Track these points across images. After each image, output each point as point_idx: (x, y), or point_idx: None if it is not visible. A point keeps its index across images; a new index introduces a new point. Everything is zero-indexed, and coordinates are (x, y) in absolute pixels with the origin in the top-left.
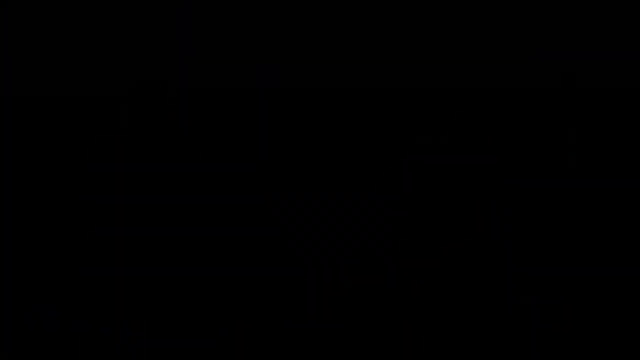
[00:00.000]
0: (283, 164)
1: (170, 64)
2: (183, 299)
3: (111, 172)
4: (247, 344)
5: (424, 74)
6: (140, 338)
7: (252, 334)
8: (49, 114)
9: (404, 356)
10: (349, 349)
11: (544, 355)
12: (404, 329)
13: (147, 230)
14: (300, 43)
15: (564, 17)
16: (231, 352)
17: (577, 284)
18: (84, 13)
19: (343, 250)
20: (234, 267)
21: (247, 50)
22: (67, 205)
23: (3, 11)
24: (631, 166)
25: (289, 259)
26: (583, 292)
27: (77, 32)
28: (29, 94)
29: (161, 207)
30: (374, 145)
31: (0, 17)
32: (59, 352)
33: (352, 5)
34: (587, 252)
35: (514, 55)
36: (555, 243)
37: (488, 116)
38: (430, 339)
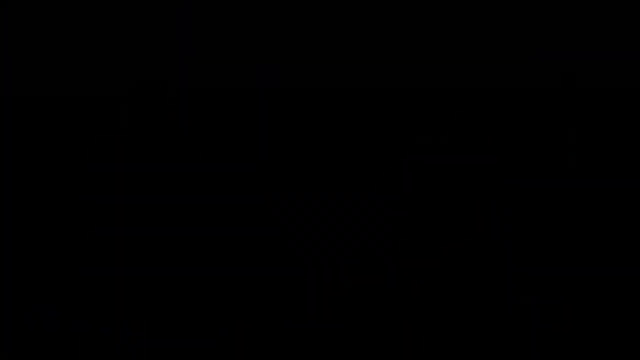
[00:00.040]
0: (283, 164)
1: (170, 64)
2: (183, 299)
3: (111, 172)
4: (247, 344)
5: (424, 74)
6: (140, 338)
7: (252, 334)
8: (49, 114)
9: (404, 356)
10: (349, 349)
11: (544, 355)
12: (404, 329)
13: (147, 230)
14: (300, 43)
15: (564, 17)
16: (231, 352)
17: (577, 284)
18: (84, 13)
19: (343, 250)
20: (234, 267)
21: (247, 50)
22: (67, 205)
23: (3, 11)
24: (631, 166)
25: (289, 259)
26: (583, 292)
27: (77, 32)
28: (29, 94)
29: (161, 207)
30: (374, 145)
31: (0, 17)
32: (59, 352)
33: (352, 5)
34: (587, 252)
35: (514, 55)
36: (555, 243)
37: (488, 116)
38: (430, 339)
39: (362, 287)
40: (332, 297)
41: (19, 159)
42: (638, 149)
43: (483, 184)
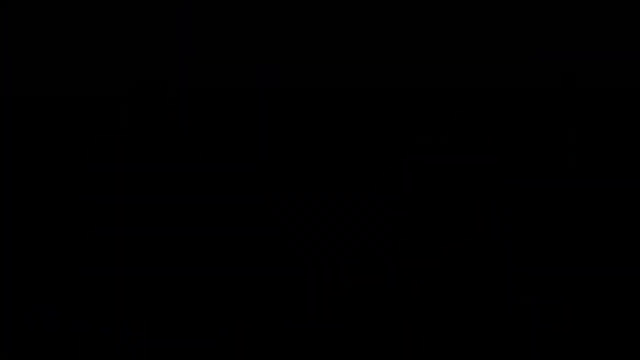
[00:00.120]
0: (283, 164)
1: (170, 64)
2: (183, 299)
3: (111, 172)
4: (247, 344)
5: (424, 74)
6: (140, 338)
7: (252, 334)
8: (49, 114)
9: (404, 356)
10: (349, 349)
11: (544, 355)
12: (404, 329)
13: (147, 230)
14: (300, 43)
15: (564, 17)
16: (231, 352)
17: (577, 284)
18: (84, 13)
19: (343, 250)
20: (234, 267)
21: (247, 50)
22: (67, 205)
23: (3, 11)
24: (631, 166)
25: (289, 259)
26: (583, 292)
27: (77, 32)
28: (29, 94)
29: (161, 207)
30: (374, 145)
31: (0, 17)
32: (59, 352)
33: (352, 5)
34: (587, 252)
35: (514, 55)
36: (555, 243)
37: (488, 116)
38: (430, 339)
39: (362, 287)
40: (332, 297)
41: (19, 159)
42: (638, 149)
43: (483, 184)
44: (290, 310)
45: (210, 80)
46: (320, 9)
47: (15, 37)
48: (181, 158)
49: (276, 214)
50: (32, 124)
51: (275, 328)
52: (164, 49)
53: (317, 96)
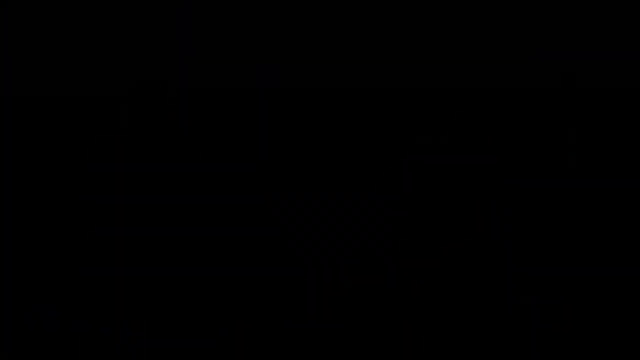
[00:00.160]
0: (283, 164)
1: (170, 64)
2: (183, 299)
3: (111, 172)
4: (247, 344)
5: (424, 74)
6: (140, 338)
7: (252, 334)
8: (49, 114)
9: (404, 356)
10: (349, 349)
11: (544, 355)
12: (404, 329)
13: (147, 230)
14: (300, 43)
15: (564, 17)
16: (231, 352)
17: (577, 284)
18: (84, 13)
19: (343, 250)
20: (234, 267)
21: (247, 50)
22: (67, 205)
23: (3, 11)
24: (631, 166)
25: (289, 259)
26: (583, 292)
27: (77, 32)
28: (29, 94)
29: (161, 207)
30: (374, 145)
31: (0, 17)
32: (59, 352)
33: (352, 5)
34: (587, 252)
35: (514, 55)
36: (555, 243)
37: (488, 116)
38: (430, 339)
39: (362, 287)
40: (332, 297)
41: (19, 159)
42: (638, 149)
43: (483, 184)
44: (290, 310)
45: (210, 80)
46: (320, 9)
47: (15, 37)
48: (181, 158)
49: (276, 214)
50: (32, 124)
51: (275, 328)
52: (164, 49)
53: (317, 96)
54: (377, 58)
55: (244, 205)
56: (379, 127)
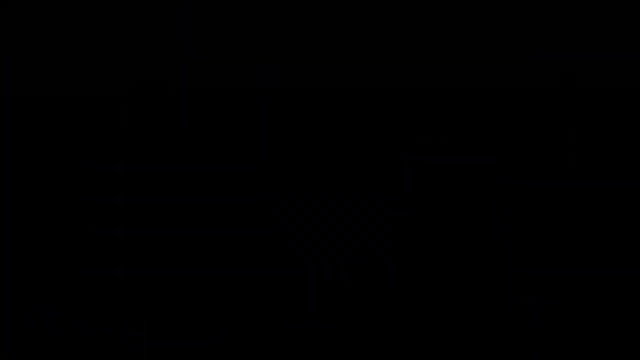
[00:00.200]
0: (283, 164)
1: (170, 64)
2: (183, 299)
3: (111, 172)
4: (247, 344)
5: (424, 74)
6: (140, 338)
7: (252, 334)
8: (49, 114)
9: (404, 356)
10: (349, 349)
11: (544, 355)
12: (404, 329)
13: (147, 230)
14: (300, 43)
15: (564, 17)
16: (231, 352)
17: (577, 284)
18: (84, 13)
19: (343, 250)
20: (234, 267)
21: (247, 50)
22: (67, 205)
23: (3, 11)
24: (631, 166)
25: (289, 259)
26: (583, 292)
27: (77, 32)
28: (29, 94)
29: (161, 207)
30: (374, 145)
31: (0, 17)
32: (59, 352)
33: (352, 5)
34: (587, 252)
35: (514, 55)
36: (555, 243)
37: (488, 116)
38: (430, 339)
39: (362, 287)
40: (332, 297)
41: (19, 159)
42: (638, 149)
43: (483, 184)
44: (290, 310)
45: (210, 80)
46: (320, 9)
47: (15, 37)
48: (181, 158)
49: (276, 214)
50: (32, 124)
51: (275, 328)
52: (164, 49)
53: (317, 96)
54: (377, 58)
55: (244, 205)
56: (379, 127)
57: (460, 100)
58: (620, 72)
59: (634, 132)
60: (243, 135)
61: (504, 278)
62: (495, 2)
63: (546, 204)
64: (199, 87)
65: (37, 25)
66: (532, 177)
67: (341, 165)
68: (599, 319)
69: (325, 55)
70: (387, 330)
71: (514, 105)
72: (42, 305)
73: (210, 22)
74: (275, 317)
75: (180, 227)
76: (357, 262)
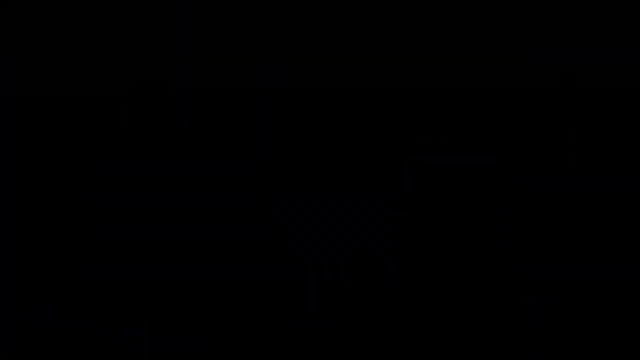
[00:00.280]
0: (283, 164)
1: (170, 64)
2: (183, 299)
3: (111, 172)
4: (247, 344)
5: (424, 74)
6: (140, 338)
7: (252, 334)
8: (49, 114)
9: (404, 356)
10: (349, 349)
11: (544, 355)
12: (404, 329)
13: (147, 230)
14: (300, 43)
15: (564, 17)
16: (231, 352)
17: (577, 284)
18: (84, 13)
19: (343, 250)
20: (234, 267)
21: (247, 50)
22: (67, 205)
23: (3, 11)
24: (631, 166)
25: (289, 259)
26: (583, 292)
27: (77, 32)
28: (29, 94)
29: (161, 207)
30: (374, 145)
31: (0, 17)
32: (59, 352)
33: (352, 5)
34: (587, 252)
35: (514, 55)
36: (555, 243)
37: (488, 116)
38: (430, 339)
39: (362, 287)
40: (332, 297)
41: (19, 159)
42: (638, 149)
43: (483, 184)
44: (290, 310)
45: (210, 80)
46: (320, 9)
47: (15, 37)
48: (181, 158)
49: (276, 214)
50: (32, 124)
51: (275, 328)
52: (164, 49)
53: (317, 96)
54: (377, 58)
55: (244, 205)
56: (379, 127)
57: (460, 100)
58: (620, 72)
59: (634, 132)
60: (243, 135)
61: (504, 278)
62: (495, 2)
63: (546, 204)
64: (199, 87)
65: (37, 25)
66: (532, 177)
67: (341, 165)
68: (599, 319)
69: (325, 55)
70: (387, 330)
71: (514, 105)
72: (42, 305)
73: (210, 22)
74: (275, 317)
75: (180, 227)
76: (357, 262)
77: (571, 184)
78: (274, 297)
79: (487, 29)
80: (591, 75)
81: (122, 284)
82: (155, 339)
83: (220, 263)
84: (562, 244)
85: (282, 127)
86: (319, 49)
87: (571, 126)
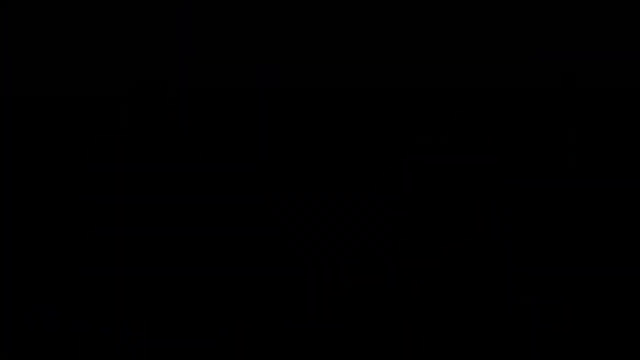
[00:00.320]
0: (283, 164)
1: (170, 64)
2: (183, 299)
3: (111, 172)
4: (247, 344)
5: (424, 74)
6: (140, 338)
7: (252, 334)
8: (49, 114)
9: (404, 356)
10: (349, 349)
11: (544, 355)
12: (404, 329)
13: (147, 230)
14: (300, 43)
15: (564, 17)
16: (231, 352)
17: (577, 284)
18: (84, 13)
19: (343, 250)
20: (234, 267)
21: (247, 50)
22: (67, 205)
23: (3, 11)
24: (631, 166)
25: (289, 259)
26: (583, 292)
27: (77, 32)
28: (29, 94)
29: (161, 207)
30: (374, 145)
31: (0, 17)
32: (59, 352)
33: (352, 5)
34: (587, 252)
35: (514, 55)
36: (555, 243)
37: (488, 116)
38: (430, 339)
39: (362, 287)
40: (332, 297)
41: (19, 159)
42: (638, 149)
43: (483, 184)
44: (290, 310)
45: (210, 80)
46: (320, 9)
47: (15, 37)
48: (181, 158)
49: (276, 214)
50: (32, 124)
51: (275, 328)
52: (164, 49)
53: (317, 96)
54: (377, 58)
55: (244, 205)
56: (379, 127)
57: (460, 100)
58: (620, 72)
59: (634, 132)
60: (243, 135)
61: (504, 278)
62: (495, 2)
63: (546, 204)
64: (199, 87)
65: (37, 25)
66: (532, 177)
67: (341, 165)
68: (599, 319)
69: (325, 55)
70: (387, 330)
71: (514, 105)
72: (42, 305)
73: (210, 22)
74: (275, 317)
75: (180, 227)
76: (357, 262)
77: (571, 184)
78: (274, 297)
79: (487, 29)
80: (591, 75)
81: (122, 284)
82: (155, 339)
83: (220, 263)
84: (562, 244)
85: (282, 127)
86: (319, 49)
87: (571, 126)
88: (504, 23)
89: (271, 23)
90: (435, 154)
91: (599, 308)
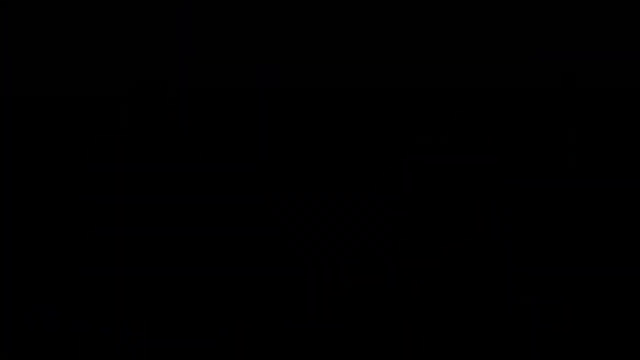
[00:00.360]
0: (283, 164)
1: (170, 64)
2: (183, 299)
3: (111, 172)
4: (247, 344)
5: (424, 74)
6: (140, 338)
7: (252, 334)
8: (49, 114)
9: (404, 356)
10: (349, 349)
11: (544, 355)
12: (404, 329)
13: (147, 230)
14: (300, 43)
15: (564, 17)
16: (231, 352)
17: (577, 284)
18: (84, 13)
19: (343, 250)
20: (234, 267)
21: (247, 50)
22: (67, 205)
23: (3, 11)
24: (631, 166)
25: (289, 259)
26: (583, 292)
27: (77, 32)
28: (29, 94)
29: (161, 207)
30: (374, 145)
31: (0, 17)
32: (59, 352)
33: (352, 5)
34: (587, 252)
35: (514, 55)
36: (555, 243)
37: (488, 116)
38: (430, 339)
39: (362, 287)
40: (332, 297)
41: (19, 159)
42: (638, 149)
43: (483, 184)
44: (290, 310)
45: (210, 80)
46: (320, 9)
47: (15, 37)
48: (181, 158)
49: (276, 214)
50: (32, 124)
51: (275, 328)
52: (164, 49)
53: (317, 96)
54: (377, 58)
55: (244, 205)
56: (379, 127)
57: (460, 100)
58: (620, 72)
59: (634, 132)
60: (243, 135)
61: (504, 278)
62: (495, 2)
63: (546, 204)
64: (199, 87)
65: (37, 25)
66: (532, 177)
67: (341, 165)
68: (599, 319)
69: (325, 55)
70: (387, 330)
71: (514, 105)
72: (42, 305)
73: (210, 22)
74: (275, 317)
75: (180, 227)
76: (357, 262)
77: (571, 184)
78: (274, 297)
79: (487, 29)
80: (591, 75)
81: (122, 284)
82: (155, 339)
83: (220, 263)
84: (562, 244)
85: (282, 127)
86: (319, 49)
87: (571, 126)
88: (504, 23)
89: (271, 23)
90: (435, 154)
91: (599, 308)
